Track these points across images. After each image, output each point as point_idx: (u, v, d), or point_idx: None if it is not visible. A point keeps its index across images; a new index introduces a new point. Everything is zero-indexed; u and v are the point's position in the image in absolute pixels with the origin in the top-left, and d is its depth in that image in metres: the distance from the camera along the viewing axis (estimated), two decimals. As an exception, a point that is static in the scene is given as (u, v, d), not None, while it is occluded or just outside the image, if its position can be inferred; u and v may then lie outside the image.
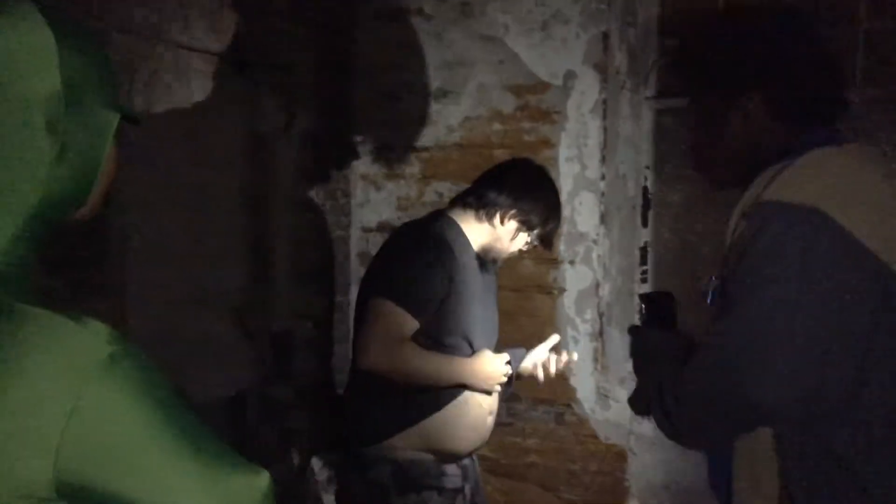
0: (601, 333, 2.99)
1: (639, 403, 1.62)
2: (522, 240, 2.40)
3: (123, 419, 0.87)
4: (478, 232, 2.38)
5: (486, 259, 2.42)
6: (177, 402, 0.94)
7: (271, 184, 2.86)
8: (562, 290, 3.03)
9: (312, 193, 3.09)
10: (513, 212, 2.35)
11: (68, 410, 0.84)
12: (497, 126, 3.10)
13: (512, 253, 2.45)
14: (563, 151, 3.02)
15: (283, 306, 2.91)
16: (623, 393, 2.98)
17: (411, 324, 2.21)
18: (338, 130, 3.21)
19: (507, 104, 3.08)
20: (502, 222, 2.36)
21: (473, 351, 2.34)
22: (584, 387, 3.02)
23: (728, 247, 1.43)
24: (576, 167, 3.01)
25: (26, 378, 0.84)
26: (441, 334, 2.26)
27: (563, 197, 2.97)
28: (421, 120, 3.17)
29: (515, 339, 2.70)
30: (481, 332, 2.38)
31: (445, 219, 2.38)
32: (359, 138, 3.29)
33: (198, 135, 2.56)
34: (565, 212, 2.97)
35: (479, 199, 2.37)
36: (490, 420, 2.38)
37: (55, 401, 0.84)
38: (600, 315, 2.99)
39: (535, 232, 2.39)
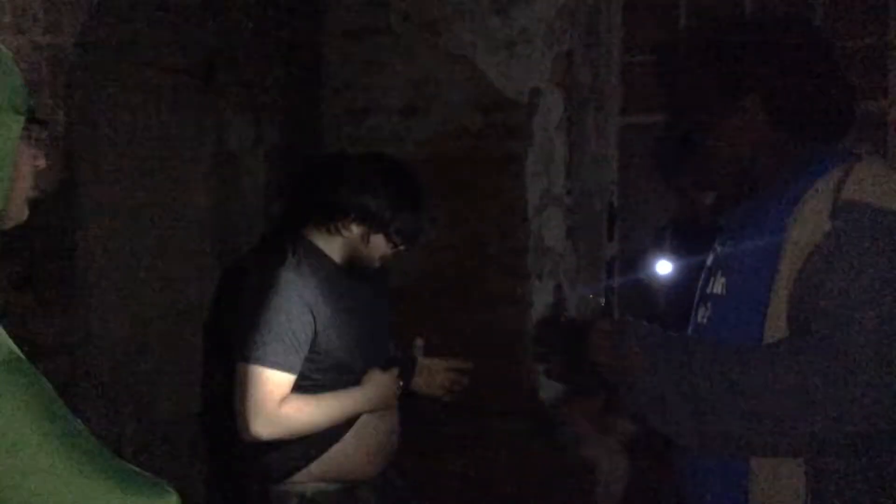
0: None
1: (646, 404, 1.48)
2: (381, 242, 2.15)
3: (15, 431, 0.87)
4: (333, 244, 2.16)
5: (358, 267, 2.20)
6: (73, 421, 0.92)
7: (240, 200, 2.87)
8: (529, 304, 3.06)
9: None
10: (352, 215, 2.11)
11: None
12: (464, 142, 3.14)
13: (383, 257, 2.19)
14: (530, 167, 3.06)
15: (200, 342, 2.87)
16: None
17: (285, 379, 2.04)
18: (306, 147, 3.23)
19: (474, 121, 3.12)
20: (347, 229, 2.13)
21: (363, 369, 2.18)
22: (553, 400, 3.04)
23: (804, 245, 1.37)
24: (543, 183, 3.05)
25: None
26: (322, 369, 2.11)
27: (530, 212, 3.02)
28: (389, 136, 3.20)
29: (484, 352, 2.72)
30: (369, 348, 2.21)
31: (293, 243, 2.16)
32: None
33: (165, 152, 2.57)
34: (532, 226, 3.01)
35: (317, 208, 2.16)
36: (394, 438, 2.24)
37: None
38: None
39: (390, 232, 2.13)
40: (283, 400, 2.04)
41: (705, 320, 1.52)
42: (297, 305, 2.04)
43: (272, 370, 2.01)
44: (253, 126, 2.91)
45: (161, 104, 2.55)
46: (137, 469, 0.98)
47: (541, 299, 3.04)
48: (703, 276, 1.59)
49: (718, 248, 1.57)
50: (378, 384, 2.15)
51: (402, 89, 3.20)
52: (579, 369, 1.64)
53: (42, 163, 1.06)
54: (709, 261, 1.59)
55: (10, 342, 0.94)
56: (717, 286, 1.49)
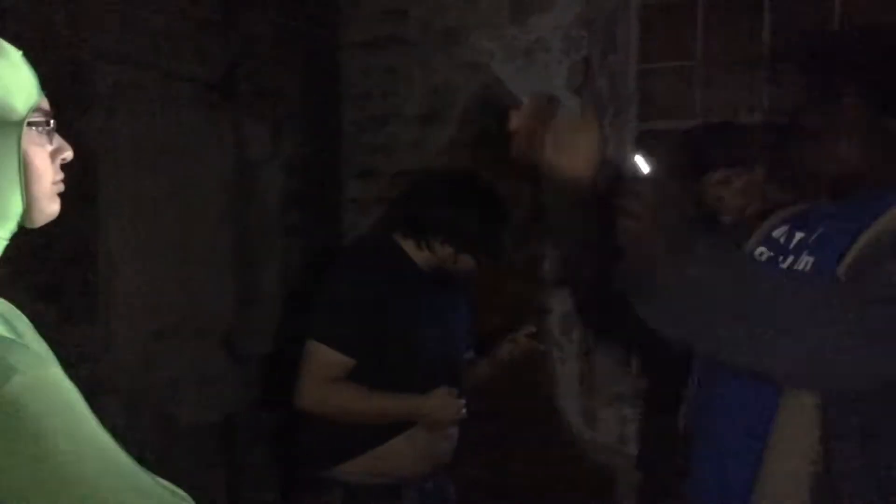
0: (587, 354, 3.02)
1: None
2: (468, 261, 2.25)
3: (14, 451, 0.87)
4: (421, 255, 2.26)
5: (441, 275, 2.29)
6: (86, 436, 0.92)
7: (259, 209, 2.89)
8: (547, 311, 3.05)
9: (300, 218, 3.12)
10: (441, 238, 2.22)
11: None
12: (482, 150, 3.14)
13: (467, 267, 2.27)
14: (548, 175, 3.06)
15: (272, 331, 2.93)
16: (610, 413, 3.01)
17: (340, 362, 2.14)
18: (325, 156, 3.24)
19: (492, 129, 3.12)
20: (437, 247, 2.23)
21: (427, 377, 2.22)
22: (571, 408, 3.04)
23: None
24: (560, 190, 3.05)
25: None
26: (389, 367, 2.17)
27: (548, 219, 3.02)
28: (407, 144, 3.21)
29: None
30: (437, 356, 2.26)
31: (383, 244, 2.28)
32: (346, 163, 3.33)
33: (185, 162, 2.59)
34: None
35: (410, 226, 2.26)
36: (446, 445, 2.29)
37: None
38: (586, 336, 3.01)
39: (478, 252, 2.24)
40: (335, 380, 2.14)
41: None
42: (368, 296, 2.15)
43: (326, 347, 2.13)
44: (271, 135, 2.93)
45: (181, 114, 2.58)
46: (161, 481, 0.99)
47: (559, 306, 3.04)
48: (770, 259, 1.56)
49: (800, 236, 1.54)
50: (439, 405, 2.18)
51: (421, 97, 3.21)
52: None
53: (69, 154, 1.07)
54: (789, 244, 1.55)
55: (44, 349, 0.95)
56: (802, 264, 1.47)
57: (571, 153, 1.50)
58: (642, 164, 1.38)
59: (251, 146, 2.86)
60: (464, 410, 2.23)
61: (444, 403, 2.19)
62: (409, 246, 2.26)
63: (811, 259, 1.46)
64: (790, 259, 1.51)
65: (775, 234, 1.61)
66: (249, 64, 2.82)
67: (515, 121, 1.52)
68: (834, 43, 1.54)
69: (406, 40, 3.22)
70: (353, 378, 2.16)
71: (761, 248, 1.60)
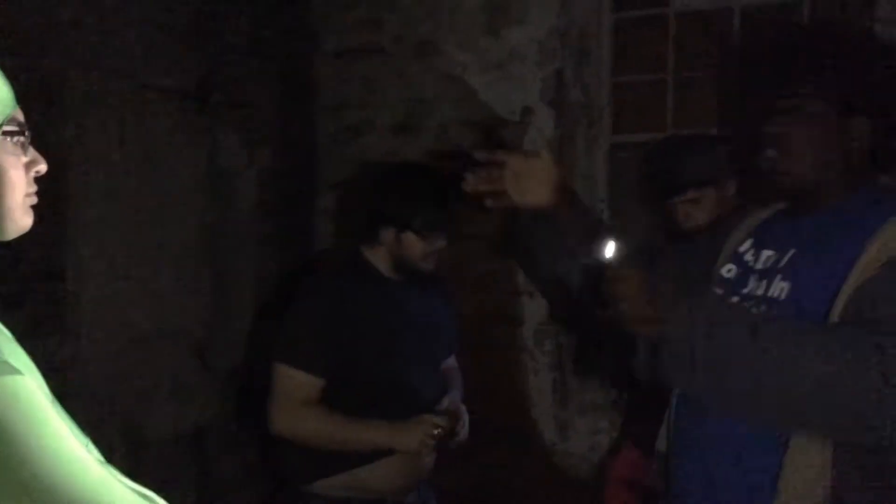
0: (560, 364, 3.03)
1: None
2: (413, 240, 2.19)
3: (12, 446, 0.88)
4: (379, 255, 2.24)
5: (409, 274, 2.25)
6: (51, 442, 0.92)
7: (233, 219, 2.88)
8: (521, 322, 3.06)
9: (274, 229, 3.11)
10: (377, 220, 2.21)
11: None
12: (456, 160, 3.15)
13: (427, 257, 2.22)
14: (522, 186, 3.07)
15: (245, 342, 2.91)
16: (583, 423, 3.02)
17: (311, 384, 2.12)
18: (299, 166, 3.24)
19: (466, 140, 3.14)
20: (381, 235, 2.21)
21: (405, 388, 2.20)
22: (544, 418, 3.05)
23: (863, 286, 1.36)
24: (534, 201, 3.07)
25: None
26: (363, 383, 2.15)
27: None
28: (382, 155, 3.21)
29: (478, 368, 2.72)
30: (414, 366, 2.24)
31: (348, 258, 2.27)
32: (320, 174, 3.32)
33: (159, 172, 2.58)
34: (524, 245, 3.02)
35: (359, 226, 2.26)
36: (427, 460, 2.26)
37: None
38: (559, 346, 3.03)
39: (416, 227, 2.18)
40: (309, 404, 2.13)
41: None
42: (336, 314, 2.14)
43: (296, 370, 2.12)
44: (245, 146, 2.92)
45: (154, 124, 2.56)
46: (133, 486, 0.98)
47: (532, 317, 3.05)
48: (739, 277, 1.56)
49: (767, 255, 1.54)
50: (410, 432, 2.14)
51: (395, 108, 3.22)
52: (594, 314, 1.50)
53: (43, 167, 1.07)
54: (756, 263, 1.55)
55: (18, 358, 0.94)
56: (776, 290, 1.46)
57: (526, 186, 1.65)
58: (612, 249, 1.42)
59: (225, 156, 2.85)
60: (438, 432, 2.17)
61: (420, 435, 2.13)
62: (369, 252, 2.25)
63: (786, 285, 1.44)
64: (762, 284, 1.49)
65: (741, 249, 1.60)
66: (224, 74, 2.82)
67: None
68: (795, 45, 1.54)
69: (381, 51, 3.23)
70: (327, 398, 2.14)
71: (729, 266, 1.59)
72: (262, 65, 2.99)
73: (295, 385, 2.13)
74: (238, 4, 2.87)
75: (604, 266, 1.41)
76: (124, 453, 2.33)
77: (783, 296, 1.44)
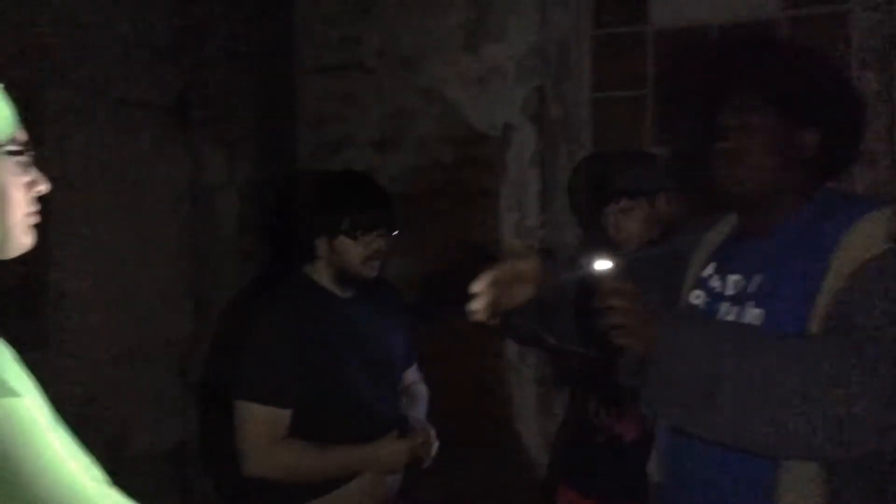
0: (544, 378, 3.04)
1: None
2: (347, 244, 2.13)
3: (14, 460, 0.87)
4: (319, 270, 2.18)
5: (354, 286, 2.19)
6: (47, 464, 0.91)
7: (214, 235, 2.87)
8: (501, 339, 3.07)
9: (255, 244, 3.10)
10: (306, 233, 2.16)
11: None
12: (438, 176, 3.16)
13: (367, 259, 2.14)
14: (504, 201, 3.09)
15: (226, 357, 2.90)
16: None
17: (278, 417, 2.04)
18: (280, 181, 3.24)
19: (448, 155, 3.15)
20: (315, 248, 2.16)
21: (366, 406, 2.15)
22: (528, 431, 3.05)
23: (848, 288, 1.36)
24: (516, 216, 3.08)
25: None
26: (325, 403, 2.10)
27: (505, 246, 3.05)
28: (362, 170, 3.22)
29: (459, 387, 2.72)
30: (373, 379, 2.18)
31: (295, 282, 2.20)
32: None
33: (139, 187, 2.57)
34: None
35: (291, 245, 2.20)
36: (391, 479, 2.21)
37: None
38: (542, 360, 3.04)
39: (345, 228, 2.12)
40: (282, 440, 2.05)
41: None
42: (288, 342, 2.05)
43: (262, 405, 2.03)
44: (226, 161, 2.92)
45: (135, 140, 2.56)
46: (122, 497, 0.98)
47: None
48: (708, 304, 1.55)
49: (734, 279, 1.53)
50: (389, 452, 2.12)
51: (376, 123, 3.23)
52: (586, 333, 1.50)
53: (43, 188, 1.07)
54: (725, 289, 1.54)
55: (19, 377, 0.94)
56: (750, 317, 1.46)
57: (517, 290, 1.66)
58: (604, 263, 1.42)
59: (206, 171, 2.84)
60: (406, 455, 2.15)
61: (394, 453, 2.12)
62: (310, 269, 2.19)
63: (759, 312, 1.44)
64: (734, 310, 1.48)
65: (705, 274, 1.60)
66: (204, 89, 2.82)
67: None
68: (741, 59, 1.57)
69: (361, 67, 3.24)
70: (292, 427, 2.07)
71: (697, 292, 1.59)
72: (242, 80, 2.99)
73: (263, 422, 2.04)
74: (218, 20, 2.88)
75: (596, 280, 1.41)
76: (106, 468, 2.30)
77: (758, 322, 1.44)
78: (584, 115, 3.08)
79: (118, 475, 1.14)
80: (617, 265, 1.41)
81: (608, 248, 2.37)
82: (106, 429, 2.41)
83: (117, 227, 2.47)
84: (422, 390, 2.43)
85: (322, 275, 2.18)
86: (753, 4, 2.85)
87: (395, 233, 2.21)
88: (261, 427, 2.04)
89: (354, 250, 2.13)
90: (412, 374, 2.43)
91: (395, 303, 2.35)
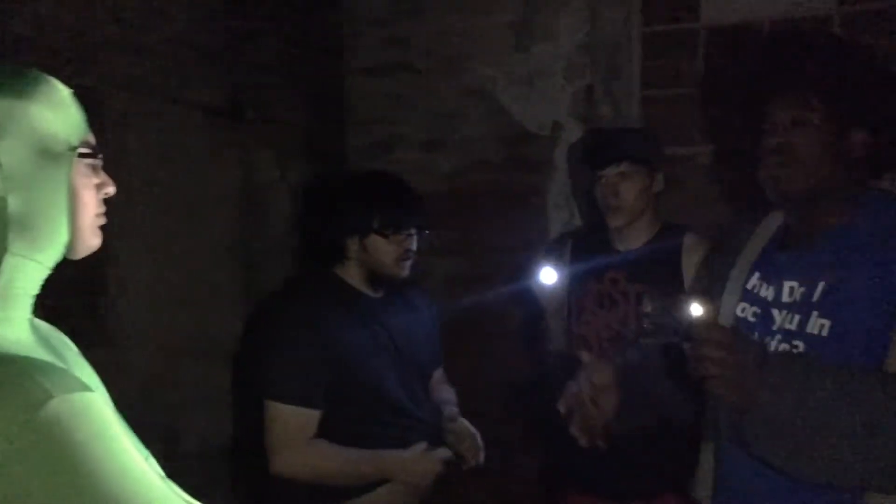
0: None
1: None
2: (378, 243, 2.13)
3: (50, 474, 0.87)
4: (351, 271, 2.17)
5: (385, 286, 2.20)
6: (119, 459, 0.92)
7: (265, 234, 2.91)
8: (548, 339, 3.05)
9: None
10: (338, 233, 2.15)
11: None
12: (486, 176, 3.17)
13: (398, 258, 2.15)
14: (552, 200, 3.09)
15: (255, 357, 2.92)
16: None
17: (309, 417, 2.04)
18: (311, 182, 3.26)
19: (496, 155, 3.16)
20: (347, 248, 2.15)
21: (395, 405, 2.14)
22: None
23: None
24: (564, 215, 3.07)
25: None
26: (354, 403, 2.09)
27: (548, 244, 3.04)
28: (411, 170, 3.23)
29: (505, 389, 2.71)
30: (405, 380, 2.18)
31: (324, 281, 2.19)
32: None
33: (193, 187, 2.62)
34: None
35: (322, 245, 2.18)
36: (428, 485, 2.20)
37: None
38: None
39: (377, 227, 2.12)
40: (311, 441, 2.04)
41: None
42: (318, 341, 2.05)
43: (292, 405, 2.03)
44: (278, 161, 2.96)
45: (189, 140, 2.61)
46: (190, 499, 1.01)
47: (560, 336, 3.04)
48: (760, 315, 1.53)
49: (791, 286, 1.50)
50: (416, 462, 2.10)
51: (425, 124, 3.25)
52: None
53: (111, 190, 1.10)
54: (780, 297, 1.51)
55: (88, 374, 0.96)
56: (815, 327, 1.43)
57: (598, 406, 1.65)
58: (698, 308, 1.38)
59: (258, 171, 2.89)
60: (439, 466, 2.14)
61: (424, 464, 2.10)
62: (341, 270, 2.18)
63: (826, 322, 1.41)
64: (794, 318, 1.45)
65: (749, 285, 1.57)
66: (256, 90, 2.86)
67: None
68: (796, 58, 1.54)
69: (410, 67, 3.26)
70: (322, 428, 2.07)
71: (743, 304, 1.56)
72: (293, 81, 3.03)
73: (293, 422, 2.03)
74: (269, 23, 2.92)
75: (688, 328, 1.38)
76: (161, 464, 2.36)
77: (825, 332, 1.42)
78: (633, 114, 3.06)
79: (171, 470, 1.17)
80: (710, 311, 1.37)
81: (599, 221, 2.37)
82: (160, 424, 2.46)
83: (172, 225, 2.53)
84: (450, 391, 2.43)
85: (352, 275, 2.18)
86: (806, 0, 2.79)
87: (426, 232, 2.21)
88: (290, 427, 2.04)
89: (387, 249, 2.13)
90: (438, 375, 2.42)
91: (423, 303, 2.35)
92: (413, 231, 2.16)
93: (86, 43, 2.25)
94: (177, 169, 2.55)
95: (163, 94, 2.50)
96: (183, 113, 2.58)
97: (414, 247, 2.18)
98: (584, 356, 1.73)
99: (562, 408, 1.71)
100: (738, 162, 1.80)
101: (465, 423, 2.32)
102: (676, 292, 2.19)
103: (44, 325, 1.11)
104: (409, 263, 2.17)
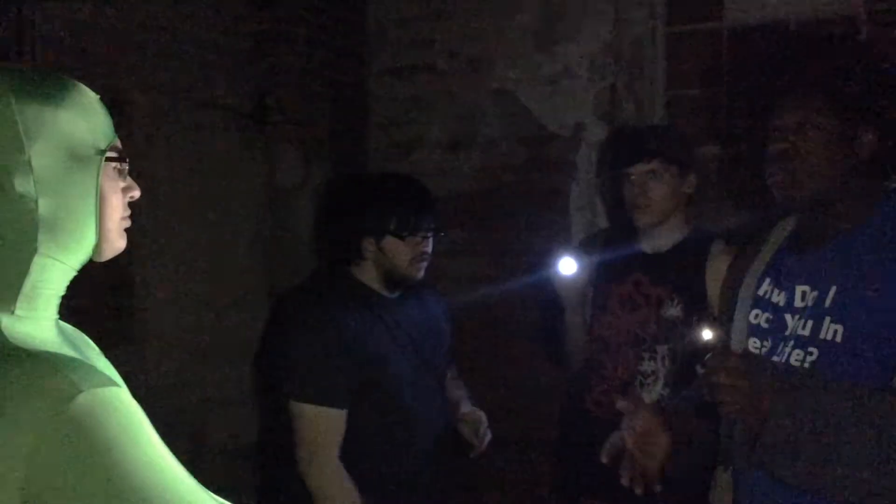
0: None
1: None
2: (395, 244, 2.14)
3: (80, 466, 0.89)
4: (367, 272, 2.18)
5: (400, 287, 2.20)
6: (147, 452, 0.93)
7: (289, 234, 2.94)
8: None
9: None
10: (354, 234, 2.16)
11: (26, 453, 0.88)
12: (508, 176, 3.17)
13: (413, 259, 2.15)
14: (574, 201, 3.08)
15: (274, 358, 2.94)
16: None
17: (338, 419, 2.04)
18: (328, 183, 3.28)
19: (518, 155, 3.16)
20: (363, 250, 2.16)
21: (411, 403, 2.13)
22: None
23: None
24: (587, 216, 3.07)
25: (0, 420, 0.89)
26: (374, 410, 2.09)
27: (575, 245, 3.03)
28: (433, 171, 3.24)
29: (526, 395, 2.70)
30: (422, 379, 2.18)
31: (341, 281, 2.20)
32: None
33: (219, 188, 2.65)
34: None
35: (339, 246, 2.19)
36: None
37: (17, 442, 0.88)
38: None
39: (393, 229, 2.12)
40: (335, 449, 2.03)
41: (807, 365, 1.44)
42: (340, 341, 2.05)
43: (321, 406, 2.03)
44: (302, 162, 2.98)
45: (215, 142, 2.64)
46: (220, 500, 1.02)
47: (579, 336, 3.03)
48: (773, 321, 1.52)
49: (803, 290, 1.49)
50: None
51: (447, 124, 3.25)
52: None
53: (137, 193, 1.12)
54: (792, 301, 1.50)
55: (111, 373, 0.98)
56: (828, 333, 1.42)
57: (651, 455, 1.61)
58: (708, 334, 1.40)
59: (282, 173, 2.91)
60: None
61: None
62: (358, 270, 2.19)
63: (839, 328, 1.40)
64: (807, 324, 1.44)
65: (761, 292, 1.55)
66: (280, 93, 2.89)
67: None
68: (799, 59, 1.53)
69: (433, 68, 3.27)
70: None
71: (756, 311, 1.55)
72: (317, 84, 3.05)
73: (324, 424, 2.03)
74: (294, 26, 2.94)
75: (705, 352, 1.40)
76: (186, 462, 2.38)
77: (838, 338, 1.40)
78: (657, 114, 3.04)
79: (197, 470, 1.18)
80: (722, 336, 1.39)
81: (624, 222, 2.34)
82: (186, 423, 2.49)
83: (199, 226, 2.56)
84: (461, 386, 2.43)
85: (369, 275, 2.19)
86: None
87: (442, 234, 2.23)
88: (323, 431, 2.04)
89: (402, 250, 2.14)
90: (451, 372, 2.43)
91: (437, 302, 2.36)
92: (428, 233, 2.17)
93: (117, 46, 2.29)
94: (203, 170, 2.58)
95: (189, 97, 2.53)
96: (209, 115, 2.61)
97: (429, 249, 2.19)
98: (621, 403, 1.67)
99: (605, 458, 1.70)
100: (751, 165, 1.79)
101: (475, 410, 2.33)
102: (698, 299, 2.18)
103: (67, 326, 1.13)
104: (424, 265, 2.19)
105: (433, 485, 2.20)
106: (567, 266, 2.28)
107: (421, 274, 2.19)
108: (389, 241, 2.14)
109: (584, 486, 2.39)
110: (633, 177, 2.28)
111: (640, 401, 1.79)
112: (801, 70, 1.49)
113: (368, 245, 2.16)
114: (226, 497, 1.09)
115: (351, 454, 2.07)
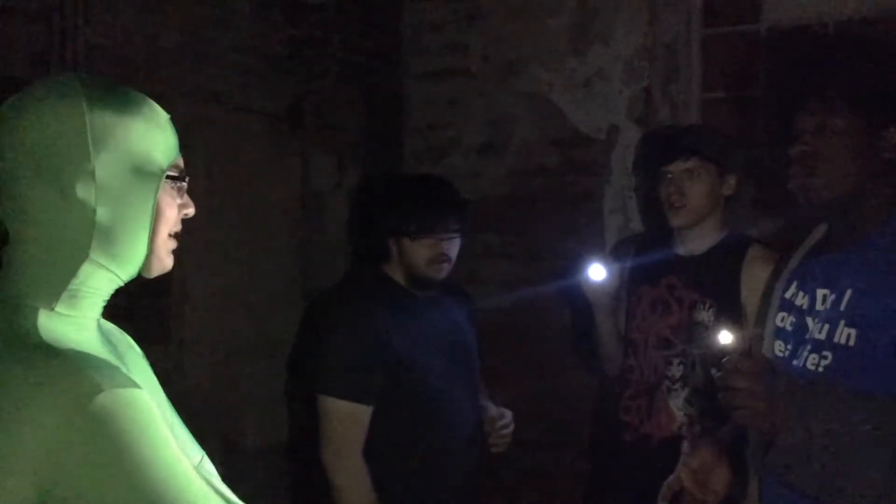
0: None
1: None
2: (413, 245, 2.15)
3: (98, 464, 0.91)
4: (396, 270, 2.20)
5: (423, 286, 2.21)
6: (164, 453, 0.95)
7: (323, 238, 2.96)
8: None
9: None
10: (377, 235, 2.20)
11: (44, 450, 0.90)
12: (542, 180, 3.16)
13: (430, 261, 2.16)
14: (608, 204, 3.07)
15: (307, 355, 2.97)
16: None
17: (363, 415, 2.07)
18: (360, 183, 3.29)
19: (552, 158, 3.15)
20: (388, 249, 2.19)
21: (443, 404, 2.14)
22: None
23: None
24: (620, 219, 3.05)
25: (21, 413, 0.91)
26: (405, 398, 2.11)
27: (608, 249, 3.02)
28: (467, 174, 3.25)
29: (559, 394, 2.70)
30: (454, 379, 2.19)
31: (374, 279, 2.22)
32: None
33: (255, 191, 2.68)
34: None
35: (368, 245, 2.23)
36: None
37: (35, 438, 0.90)
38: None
39: (411, 230, 2.13)
40: (360, 446, 2.05)
41: (821, 369, 1.43)
42: (371, 337, 2.08)
43: (348, 401, 2.06)
44: (336, 166, 3.01)
45: (251, 146, 2.67)
46: (236, 500, 1.03)
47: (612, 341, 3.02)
48: (796, 325, 1.50)
49: (823, 293, 1.47)
50: None
51: (480, 128, 3.26)
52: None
53: (192, 211, 1.15)
54: (814, 305, 1.49)
55: (144, 374, 1.00)
56: (842, 337, 1.40)
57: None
58: (726, 337, 1.39)
59: (317, 177, 2.94)
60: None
61: None
62: (389, 268, 2.21)
63: (853, 332, 1.39)
64: (825, 327, 1.43)
65: (788, 294, 1.54)
66: (315, 97, 2.91)
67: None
68: (823, 60, 1.51)
69: (466, 72, 3.28)
70: (372, 427, 2.09)
71: (782, 314, 1.54)
72: (352, 88, 3.08)
73: (349, 419, 2.06)
74: (330, 30, 2.97)
75: (723, 355, 1.39)
76: (220, 464, 2.41)
77: (851, 342, 1.39)
78: (692, 117, 3.02)
79: (231, 469, 1.20)
80: (742, 340, 1.38)
81: (662, 225, 2.31)
82: (221, 423, 2.52)
83: (234, 229, 2.59)
84: (485, 389, 2.43)
85: (397, 274, 2.21)
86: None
87: (464, 236, 2.23)
88: (348, 427, 2.06)
89: (419, 251, 2.15)
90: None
91: (465, 303, 2.37)
92: (445, 235, 2.17)
93: (154, 52, 2.33)
94: (240, 174, 2.62)
95: (226, 101, 2.57)
96: (245, 119, 2.65)
97: (450, 250, 2.19)
98: (684, 446, 1.67)
99: (664, 502, 1.70)
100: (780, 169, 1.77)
101: (499, 408, 2.33)
102: (730, 304, 2.15)
103: (109, 326, 1.15)
104: (444, 266, 2.19)
105: (465, 486, 2.20)
106: (597, 272, 2.28)
107: (441, 275, 2.20)
108: (406, 242, 2.16)
109: (614, 487, 2.38)
110: (669, 175, 2.24)
111: (697, 439, 1.77)
112: (828, 72, 1.47)
113: (392, 245, 2.20)
114: (260, 497, 1.11)
115: (379, 452, 2.09)
